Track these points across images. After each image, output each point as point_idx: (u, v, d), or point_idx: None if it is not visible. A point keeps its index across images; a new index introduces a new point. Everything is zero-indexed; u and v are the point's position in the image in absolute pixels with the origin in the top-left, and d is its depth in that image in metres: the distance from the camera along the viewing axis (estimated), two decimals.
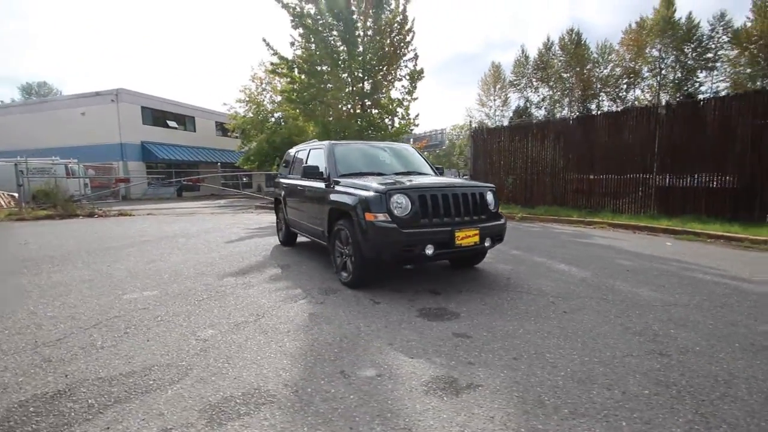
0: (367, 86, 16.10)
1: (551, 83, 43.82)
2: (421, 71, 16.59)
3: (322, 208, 4.76)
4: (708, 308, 3.46)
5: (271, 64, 15.14)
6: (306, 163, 5.68)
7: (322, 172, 4.81)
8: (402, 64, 16.56)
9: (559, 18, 74.01)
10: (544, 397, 2.07)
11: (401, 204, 3.77)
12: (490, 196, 4.31)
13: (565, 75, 43.44)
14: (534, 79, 44.35)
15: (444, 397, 2.08)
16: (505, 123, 44.73)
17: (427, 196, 3.86)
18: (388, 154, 5.46)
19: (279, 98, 22.60)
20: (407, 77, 16.57)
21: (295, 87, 15.29)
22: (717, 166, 9.14)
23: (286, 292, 4.04)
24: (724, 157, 8.99)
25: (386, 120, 17.11)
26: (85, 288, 4.16)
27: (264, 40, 14.62)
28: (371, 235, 3.74)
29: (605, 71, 43.62)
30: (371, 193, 3.83)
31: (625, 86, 43.32)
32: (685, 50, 40.11)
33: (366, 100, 16.11)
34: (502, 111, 46.77)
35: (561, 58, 43.04)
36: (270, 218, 11.48)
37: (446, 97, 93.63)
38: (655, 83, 42.87)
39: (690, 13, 41.17)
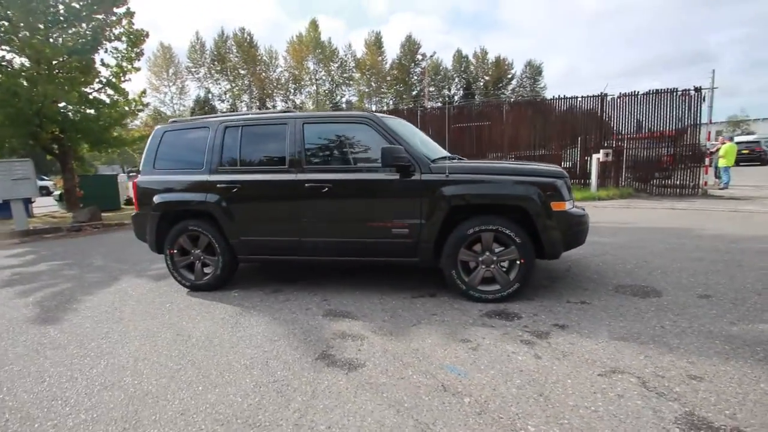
0: (67, 39, 10.40)
1: (231, 77, 43.27)
2: (147, 34, 12.52)
3: (415, 207, 3.25)
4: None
5: None
6: (307, 144, 3.49)
7: (405, 156, 3.23)
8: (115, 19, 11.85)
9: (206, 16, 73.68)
10: None
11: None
12: None
13: (242, 72, 44.05)
14: (213, 71, 42.14)
15: None
16: (187, 113, 40.26)
17: None
18: (418, 131, 4.31)
19: None
20: (125, 38, 12.02)
21: None
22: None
23: (497, 347, 2.63)
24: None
25: (100, 95, 11.80)
26: None
27: None
28: (569, 227, 3.14)
29: (275, 74, 47.92)
30: (551, 179, 3.15)
31: (293, 90, 49.36)
32: (332, 67, 50.39)
33: (70, 59, 10.38)
34: (180, 99, 41.60)
35: (237, 55, 43.20)
36: None
37: None
38: (313, 91, 51.45)
39: (330, 38, 51.57)
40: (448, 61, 56.97)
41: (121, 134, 12.46)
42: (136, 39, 12.09)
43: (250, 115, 3.85)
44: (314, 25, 49.47)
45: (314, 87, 50.51)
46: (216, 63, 42.36)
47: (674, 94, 11.76)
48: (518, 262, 3.16)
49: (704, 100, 12.21)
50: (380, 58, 53.67)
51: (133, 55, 12.23)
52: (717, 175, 12.53)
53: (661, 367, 2.14)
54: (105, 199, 12.04)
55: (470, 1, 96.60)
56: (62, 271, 5.01)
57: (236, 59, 43.21)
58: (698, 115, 11.82)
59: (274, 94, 47.66)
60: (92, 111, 11.49)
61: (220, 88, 43.89)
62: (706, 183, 11.66)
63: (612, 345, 2.43)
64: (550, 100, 12.69)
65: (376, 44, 53.36)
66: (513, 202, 3.13)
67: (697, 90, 11.66)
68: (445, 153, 4.17)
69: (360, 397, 1.99)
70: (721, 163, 12.35)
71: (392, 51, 65.43)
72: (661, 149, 12.01)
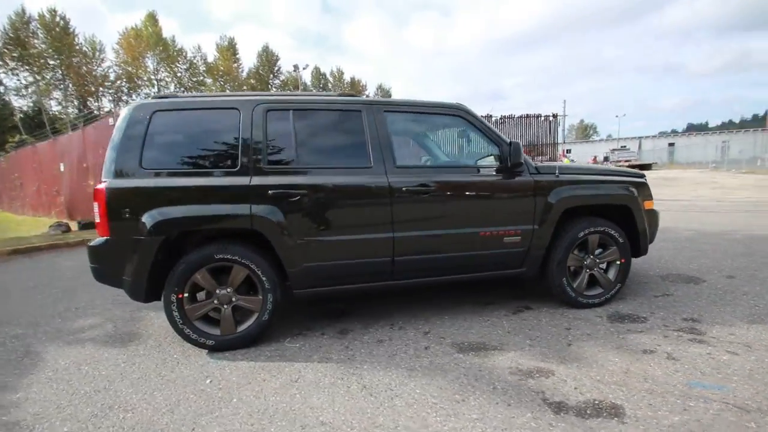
0: None
1: (35, 69, 33.36)
2: None
3: (528, 211, 2.90)
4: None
5: None
6: (394, 138, 2.74)
7: (521, 154, 2.85)
8: None
9: None
10: None
11: None
12: None
13: (52, 62, 34.56)
14: (8, 59, 31.64)
15: None
16: None
17: None
18: None
19: None
20: None
21: None
22: None
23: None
24: None
25: None
26: None
27: None
28: (654, 224, 3.28)
29: (100, 69, 39.31)
30: (642, 179, 3.28)
31: (126, 89, 41.35)
32: (178, 69, 44.18)
33: None
34: None
35: (45, 41, 33.65)
36: None
37: None
38: (153, 92, 44.17)
39: (174, 36, 45.17)
40: (306, 77, 56.77)
41: None
42: None
43: (297, 97, 2.85)
44: (153, 19, 42.81)
45: (155, 88, 43.42)
46: (13, 48, 31.99)
47: (539, 118, 14.25)
48: (618, 262, 3.13)
49: (559, 124, 15.23)
50: (236, 65, 49.79)
51: None
52: None
53: None
54: None
55: (316, 23, 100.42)
56: None
57: (44, 46, 33.59)
58: (556, 135, 14.59)
59: (100, 93, 39.03)
60: None
61: (18, 81, 33.30)
62: None
63: (759, 328, 2.57)
64: None
65: (230, 50, 49.29)
66: (621, 201, 3.10)
67: (554, 116, 14.41)
68: None
69: None
70: None
71: (248, 60, 61.70)
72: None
